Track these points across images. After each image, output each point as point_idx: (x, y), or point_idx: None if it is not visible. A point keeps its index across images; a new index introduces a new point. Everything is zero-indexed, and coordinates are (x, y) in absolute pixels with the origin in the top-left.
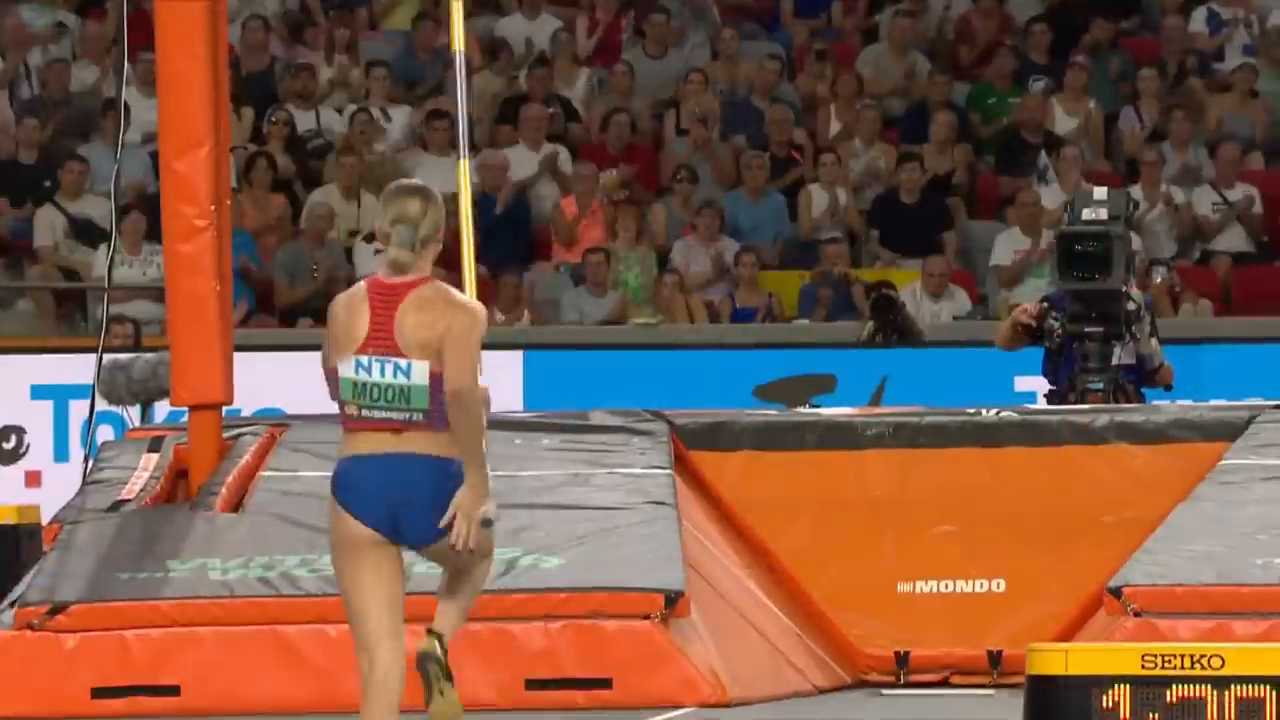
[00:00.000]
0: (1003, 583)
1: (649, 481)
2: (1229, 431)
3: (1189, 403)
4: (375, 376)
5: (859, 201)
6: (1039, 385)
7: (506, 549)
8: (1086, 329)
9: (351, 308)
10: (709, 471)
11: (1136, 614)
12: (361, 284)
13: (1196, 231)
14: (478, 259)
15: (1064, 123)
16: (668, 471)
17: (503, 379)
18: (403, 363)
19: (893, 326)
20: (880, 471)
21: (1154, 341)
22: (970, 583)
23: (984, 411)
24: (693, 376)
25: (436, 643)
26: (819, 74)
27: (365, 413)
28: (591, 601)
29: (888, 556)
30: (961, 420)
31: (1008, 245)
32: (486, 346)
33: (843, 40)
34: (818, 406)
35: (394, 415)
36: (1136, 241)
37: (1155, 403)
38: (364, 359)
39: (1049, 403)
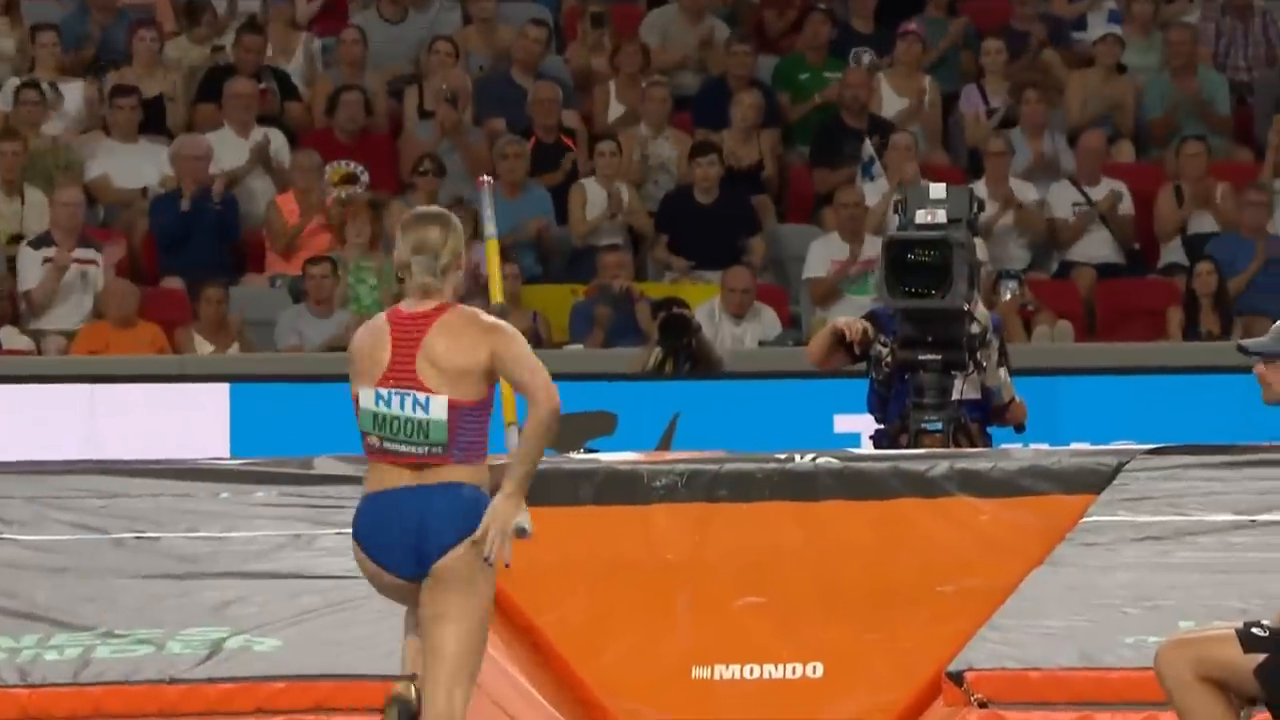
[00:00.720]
0: (820, 666)
1: None
2: (1093, 481)
3: (1045, 446)
4: (395, 409)
5: (644, 200)
6: (864, 425)
7: (210, 628)
8: (921, 356)
9: (374, 338)
10: None
11: (982, 704)
12: (381, 315)
13: (1053, 238)
14: (171, 269)
15: (893, 104)
16: None
17: (205, 418)
18: (421, 396)
19: (685, 353)
20: (671, 530)
21: (1003, 372)
22: (781, 667)
23: (797, 457)
24: None
25: (413, 688)
26: (595, 44)
27: (387, 445)
28: (315, 693)
29: (680, 634)
30: (770, 468)
31: (825, 254)
32: (183, 379)
33: (624, 2)
34: (594, 451)
35: (414, 449)
36: (982, 250)
37: (1004, 446)
38: (384, 391)
39: (876, 445)
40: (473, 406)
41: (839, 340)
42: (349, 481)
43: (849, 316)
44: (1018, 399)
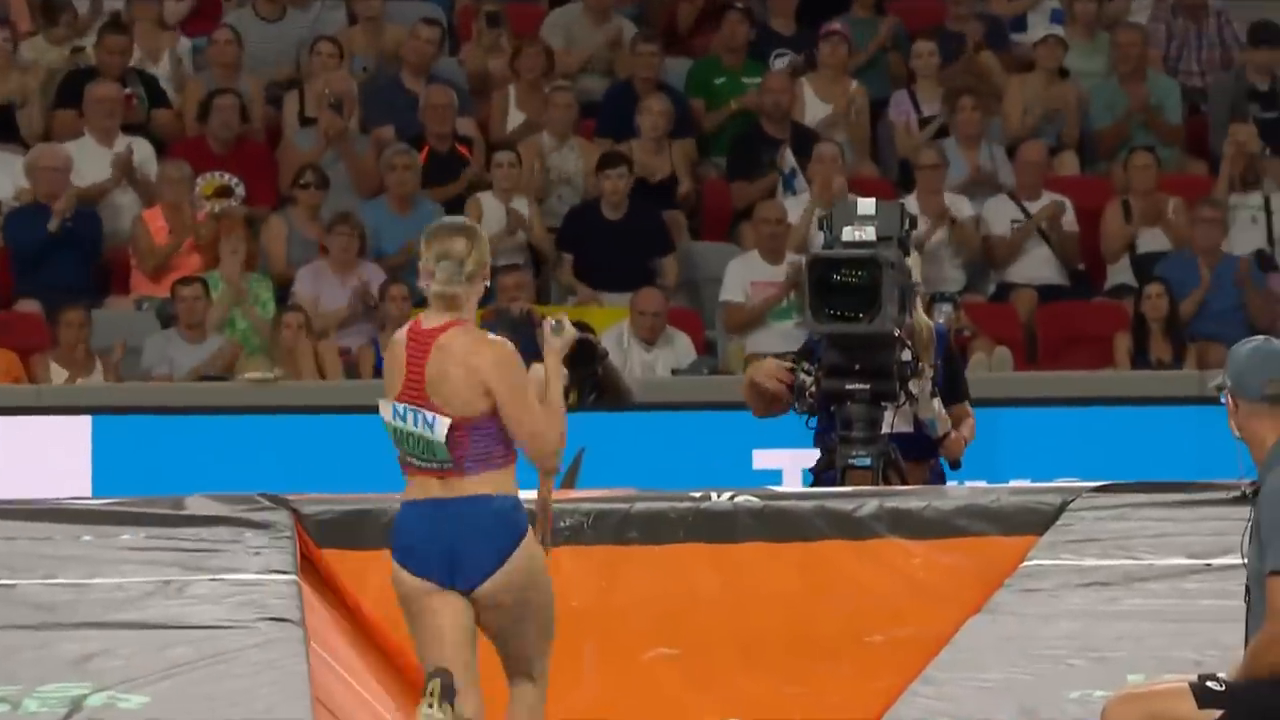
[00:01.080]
0: None
1: (266, 590)
2: (1035, 522)
3: (982, 484)
4: (409, 425)
5: (546, 215)
6: (785, 460)
7: (71, 684)
8: (848, 386)
9: (394, 351)
10: (348, 577)
11: None
12: (405, 326)
13: (991, 257)
14: (27, 291)
15: (817, 112)
16: (291, 577)
17: (65, 453)
18: (429, 415)
19: (592, 382)
20: (576, 576)
21: (936, 403)
22: None
23: (714, 495)
24: (325, 450)
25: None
26: (492, 45)
27: (410, 459)
28: None
29: (587, 688)
30: (684, 507)
31: (743, 274)
32: (41, 410)
33: (523, 0)
34: None
35: (428, 464)
36: (916, 269)
37: (941, 486)
38: (399, 406)
39: (816, 481)
40: (481, 420)
41: (763, 392)
42: (223, 523)
43: (765, 359)
44: (954, 433)
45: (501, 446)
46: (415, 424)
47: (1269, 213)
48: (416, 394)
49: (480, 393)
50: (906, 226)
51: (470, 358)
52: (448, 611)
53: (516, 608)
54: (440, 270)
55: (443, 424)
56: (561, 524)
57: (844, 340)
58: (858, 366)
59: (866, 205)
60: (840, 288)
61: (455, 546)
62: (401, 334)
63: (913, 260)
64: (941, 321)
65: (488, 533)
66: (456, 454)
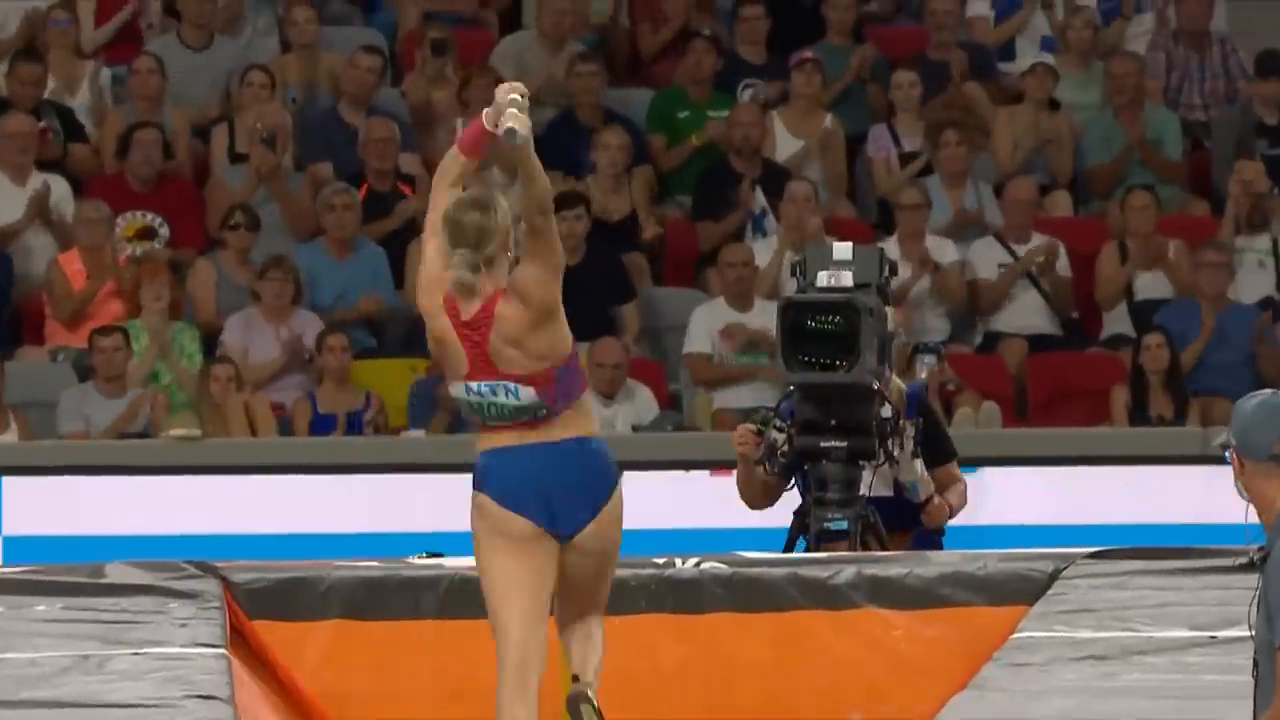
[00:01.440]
0: None
1: (193, 665)
2: (1025, 591)
3: (969, 551)
4: (489, 398)
5: None
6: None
7: None
8: (823, 443)
9: (445, 339)
10: (282, 649)
11: None
12: (442, 313)
13: (977, 304)
14: None
15: (789, 147)
16: (220, 650)
17: None
18: (511, 385)
19: None
20: None
21: (918, 464)
22: None
23: (678, 561)
24: (256, 513)
25: (587, 689)
26: (437, 74)
27: (491, 422)
28: None
29: None
30: (647, 574)
31: (709, 322)
32: None
33: (472, 26)
34: (438, 554)
35: (519, 419)
36: (893, 319)
37: (926, 551)
38: (473, 384)
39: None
40: (566, 363)
41: (752, 474)
42: (146, 592)
43: (737, 405)
44: (938, 498)
45: (581, 376)
46: (496, 394)
47: (1278, 257)
48: (489, 372)
49: (556, 336)
50: (886, 273)
51: (522, 304)
52: (534, 565)
53: (604, 555)
54: (456, 257)
55: (528, 390)
56: None
57: (819, 392)
58: (834, 421)
59: (843, 249)
60: (815, 334)
61: (551, 491)
62: (443, 323)
63: (891, 311)
64: (924, 375)
65: (584, 477)
66: (550, 401)
